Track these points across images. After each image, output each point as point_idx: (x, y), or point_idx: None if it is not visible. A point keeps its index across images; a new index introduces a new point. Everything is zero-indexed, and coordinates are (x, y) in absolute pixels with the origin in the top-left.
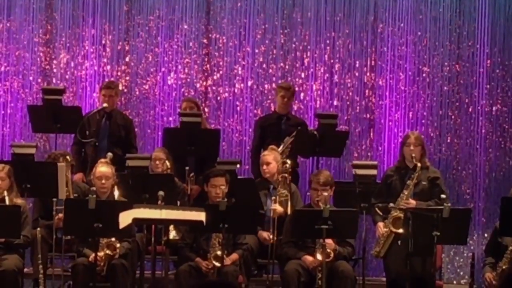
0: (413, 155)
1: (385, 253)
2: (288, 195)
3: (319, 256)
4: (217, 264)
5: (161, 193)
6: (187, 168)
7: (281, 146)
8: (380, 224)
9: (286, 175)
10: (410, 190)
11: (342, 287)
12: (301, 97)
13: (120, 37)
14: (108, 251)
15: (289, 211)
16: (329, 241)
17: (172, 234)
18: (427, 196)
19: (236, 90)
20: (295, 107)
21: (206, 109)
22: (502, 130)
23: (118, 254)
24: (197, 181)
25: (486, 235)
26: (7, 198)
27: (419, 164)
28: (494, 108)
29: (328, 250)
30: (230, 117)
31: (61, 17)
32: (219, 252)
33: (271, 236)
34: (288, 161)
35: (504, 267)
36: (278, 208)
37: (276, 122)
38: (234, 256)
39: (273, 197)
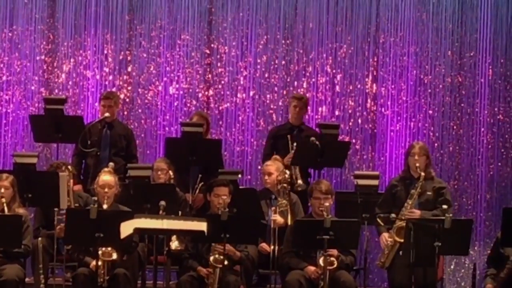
0: (417, 165)
1: (389, 263)
2: (288, 205)
3: (321, 262)
4: (217, 266)
5: (162, 203)
6: (200, 175)
7: (288, 155)
8: (385, 234)
9: (286, 185)
10: (414, 200)
11: None
12: None
13: (122, 47)
14: (105, 258)
15: (289, 221)
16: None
17: (174, 244)
18: (432, 207)
19: (238, 100)
20: None
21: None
22: (504, 141)
23: (118, 258)
24: (201, 190)
25: (487, 245)
26: (6, 208)
27: (422, 174)
28: (496, 119)
29: (332, 258)
30: (232, 127)
31: (63, 27)
32: (217, 255)
33: (271, 247)
34: (287, 171)
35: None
36: (278, 219)
37: (288, 133)
38: (238, 253)
39: (273, 208)
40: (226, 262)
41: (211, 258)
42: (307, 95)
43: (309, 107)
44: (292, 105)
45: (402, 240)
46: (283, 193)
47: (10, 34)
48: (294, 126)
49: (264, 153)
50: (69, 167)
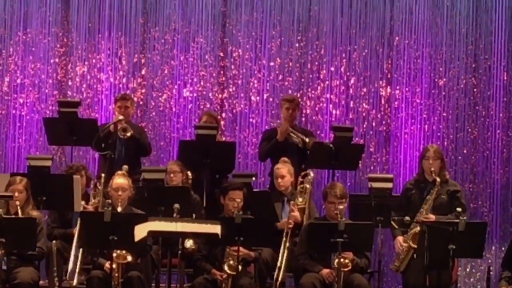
0: (432, 168)
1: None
2: (307, 204)
3: (336, 264)
4: (231, 272)
5: (176, 205)
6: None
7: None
8: (400, 238)
9: (308, 185)
10: (430, 206)
11: None
12: (317, 110)
13: (136, 50)
14: (119, 261)
15: (305, 221)
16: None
17: (189, 243)
18: (447, 210)
19: (251, 103)
20: (311, 120)
21: (222, 122)
22: None
23: (132, 261)
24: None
25: (503, 248)
26: (19, 211)
27: (438, 179)
28: (511, 121)
29: (346, 261)
30: (245, 130)
31: (77, 30)
32: (232, 262)
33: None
34: (311, 173)
35: None
36: (297, 215)
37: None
38: (253, 254)
39: (292, 202)
40: (240, 268)
41: (226, 265)
42: (321, 98)
43: (321, 110)
44: (284, 108)
45: (417, 246)
46: (303, 193)
47: (24, 37)
48: None
49: (260, 151)
50: (84, 171)
